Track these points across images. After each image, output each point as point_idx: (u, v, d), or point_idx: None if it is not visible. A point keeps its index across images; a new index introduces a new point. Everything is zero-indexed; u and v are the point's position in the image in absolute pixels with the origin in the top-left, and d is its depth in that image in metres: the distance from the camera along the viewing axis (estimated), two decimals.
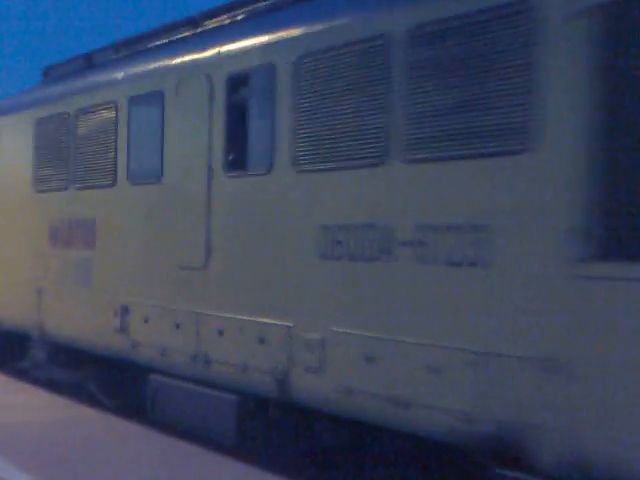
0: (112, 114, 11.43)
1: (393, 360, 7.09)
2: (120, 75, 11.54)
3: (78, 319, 12.19)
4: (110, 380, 11.92)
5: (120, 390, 11.73)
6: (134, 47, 12.26)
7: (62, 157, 12.74)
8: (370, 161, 7.44)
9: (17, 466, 8.37)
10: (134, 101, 10.98)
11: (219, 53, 9.54)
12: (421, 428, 6.85)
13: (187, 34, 11.02)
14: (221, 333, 9.30)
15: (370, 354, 7.32)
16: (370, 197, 7.42)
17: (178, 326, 10.02)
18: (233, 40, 9.41)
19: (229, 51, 9.37)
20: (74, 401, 11.93)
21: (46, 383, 13.32)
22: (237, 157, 9.11)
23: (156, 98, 10.49)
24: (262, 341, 8.65)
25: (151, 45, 11.76)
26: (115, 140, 11.32)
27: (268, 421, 8.84)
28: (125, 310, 11.05)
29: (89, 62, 13.36)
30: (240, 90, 9.08)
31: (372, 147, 7.41)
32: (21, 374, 14.16)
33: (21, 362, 14.24)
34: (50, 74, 14.65)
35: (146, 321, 10.62)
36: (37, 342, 13.45)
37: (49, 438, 9.63)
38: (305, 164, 8.18)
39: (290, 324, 8.30)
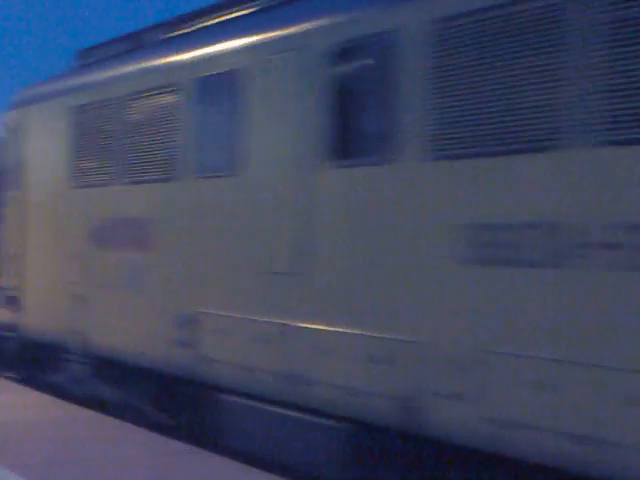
0: (172, 98, 10.10)
1: (582, 390, 5.77)
2: (181, 54, 10.20)
3: (126, 329, 10.86)
4: (165, 398, 10.57)
5: (178, 410, 10.39)
6: (193, 24, 10.91)
7: (106, 148, 11.40)
8: (545, 144, 6.11)
9: (6, 466, 8.21)
10: (202, 82, 9.65)
11: (320, 20, 8.17)
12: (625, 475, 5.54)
13: (266, 4, 9.66)
14: (319, 349, 7.97)
15: (541, 380, 6.00)
16: (543, 189, 6.09)
17: (260, 340, 8.69)
18: (338, 5, 8.05)
19: (334, 18, 8.01)
20: (63, 400, 11.81)
21: (88, 400, 11.97)
22: (347, 143, 7.78)
23: (232, 78, 9.15)
24: (380, 359, 7.33)
25: (217, 20, 10.40)
26: (177, 127, 9.98)
27: (386, 454, 7.51)
28: (189, 320, 9.72)
29: (135, 43, 12.00)
30: (351, 62, 7.74)
31: (545, 126, 6.07)
32: (55, 389, 12.81)
33: (54, 376, 12.88)
34: (86, 57, 13.28)
35: (217, 333, 9.29)
36: (75, 355, 12.10)
37: (38, 437, 9.50)
38: (444, 150, 6.86)
39: (422, 340, 6.97)
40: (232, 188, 9.12)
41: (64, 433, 9.78)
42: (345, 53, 7.78)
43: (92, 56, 13.12)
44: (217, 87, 9.41)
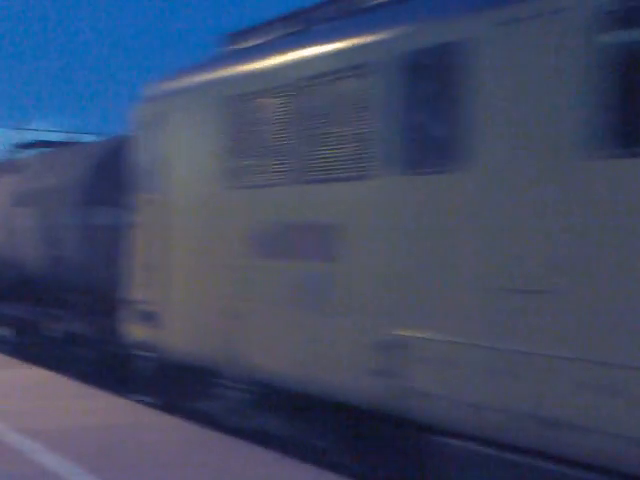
0: (366, 80, 8.51)
1: None
2: (373, 31, 8.61)
3: (299, 353, 9.29)
4: (353, 436, 8.97)
5: (370, 450, 8.77)
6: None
7: (274, 143, 9.86)
8: None
9: (84, 469, 8.27)
10: (405, 59, 8.04)
11: None
12: None
13: None
14: (589, 387, 6.29)
15: None
16: None
17: (500, 372, 7.02)
18: None
19: None
20: (140, 404, 11.82)
21: (245, 431, 10.43)
22: (629, 129, 6.10)
23: (452, 51, 7.53)
24: None
25: None
26: (375, 115, 8.38)
27: None
28: (390, 345, 8.10)
29: (301, 23, 10.46)
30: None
31: None
32: (202, 417, 11.30)
33: (202, 403, 11.37)
34: (239, 41, 11.78)
35: (435, 362, 7.64)
36: (230, 380, 10.57)
37: (115, 441, 9.48)
38: None
39: None
40: (455, 186, 7.48)
41: (143, 437, 9.73)
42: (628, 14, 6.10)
43: (247, 40, 11.62)
44: (428, 64, 7.79)
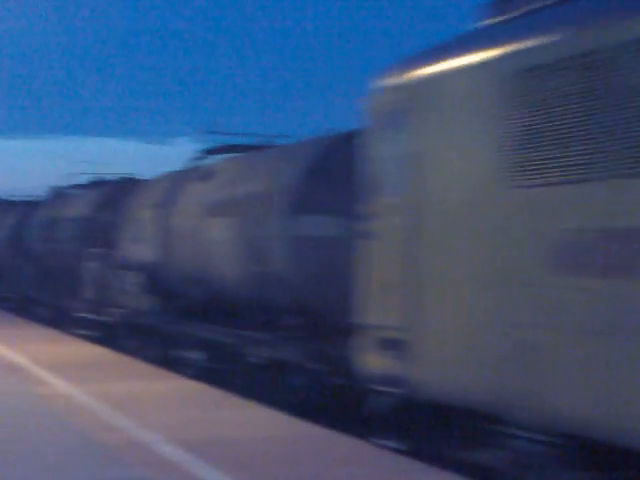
0: None
1: None
2: None
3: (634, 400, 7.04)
4: None
5: None
6: None
7: (589, 127, 7.65)
8: None
9: None
10: None
11: None
12: None
13: None
14: None
15: None
16: None
17: None
18: None
19: None
20: (295, 417, 11.65)
21: None
22: None
23: None
24: None
25: None
26: None
27: None
28: None
29: None
30: None
31: None
32: (476, 469, 9.15)
33: (475, 454, 9.22)
34: (504, 11, 9.64)
35: None
36: (521, 427, 8.38)
37: (269, 454, 9.46)
38: None
39: None
40: None
41: (297, 451, 9.68)
42: None
43: (516, 8, 9.47)
44: None
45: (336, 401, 12.97)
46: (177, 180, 19.06)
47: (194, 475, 8.57)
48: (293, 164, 14.27)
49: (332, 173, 13.55)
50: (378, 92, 10.86)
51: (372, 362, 10.65)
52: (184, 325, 17.60)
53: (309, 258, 13.52)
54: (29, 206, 35.45)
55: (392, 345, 10.28)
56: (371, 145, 10.89)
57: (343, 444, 10.05)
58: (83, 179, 30.68)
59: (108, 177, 29.44)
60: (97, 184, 28.73)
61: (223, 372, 16.36)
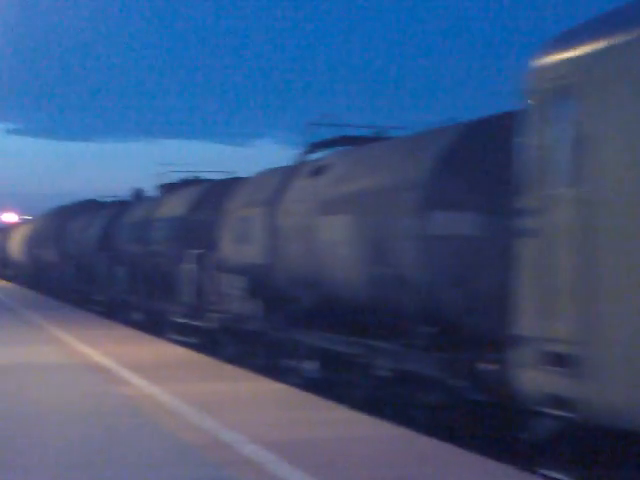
0: None
1: None
2: None
3: None
4: None
5: None
6: None
7: None
8: None
9: None
10: None
11: None
12: None
13: None
14: None
15: None
16: None
17: None
18: None
19: None
20: (378, 418, 11.67)
21: None
22: None
23: None
24: None
25: None
26: None
27: None
28: None
29: None
30: None
31: None
32: None
33: None
34: None
35: None
36: None
37: (350, 455, 9.49)
38: None
39: None
40: None
41: (379, 450, 9.72)
42: None
43: None
44: None
45: (478, 421, 11.53)
46: (283, 176, 17.77)
47: (279, 476, 8.68)
48: (422, 155, 12.86)
49: (468, 164, 12.12)
50: (541, 69, 9.43)
51: (533, 380, 9.22)
52: (294, 332, 16.30)
53: (443, 260, 12.10)
54: (119, 207, 34.62)
55: (559, 360, 8.83)
56: (531, 129, 9.45)
57: (424, 444, 10.07)
58: (175, 178, 29.63)
59: (202, 176, 28.39)
60: (190, 183, 27.62)
61: (339, 384, 15.02)
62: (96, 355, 18.41)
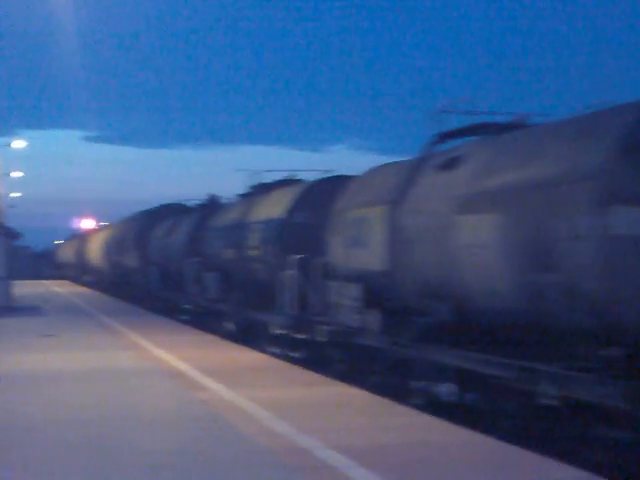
0: None
1: None
2: None
3: None
4: None
5: None
6: None
7: None
8: None
9: None
10: None
11: None
12: None
13: None
14: None
15: None
16: None
17: None
18: None
19: None
20: (455, 424, 11.48)
21: None
22: None
23: None
24: None
25: None
26: None
27: None
28: None
29: None
30: None
31: None
32: None
33: None
34: None
35: None
36: None
37: (426, 460, 9.49)
38: None
39: None
40: None
41: (454, 457, 9.63)
42: None
43: None
44: None
45: None
46: (407, 171, 15.67)
47: None
48: (599, 139, 10.67)
49: None
50: None
51: None
52: (424, 349, 14.17)
53: (628, 265, 9.91)
54: (207, 210, 32.79)
55: None
56: None
57: (501, 451, 9.97)
58: (267, 179, 27.65)
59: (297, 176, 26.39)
60: (285, 183, 25.63)
61: (482, 409, 12.88)
62: (172, 360, 18.58)
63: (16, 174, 72.84)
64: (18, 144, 60.48)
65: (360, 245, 16.60)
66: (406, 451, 9.95)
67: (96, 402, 13.61)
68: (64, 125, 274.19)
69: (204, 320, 29.28)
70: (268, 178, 26.49)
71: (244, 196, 27.92)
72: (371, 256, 16.13)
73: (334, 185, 20.84)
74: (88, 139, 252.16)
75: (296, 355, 20.04)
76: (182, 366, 17.66)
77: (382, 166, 17.73)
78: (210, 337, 24.26)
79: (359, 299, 16.55)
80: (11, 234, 38.39)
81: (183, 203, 39.91)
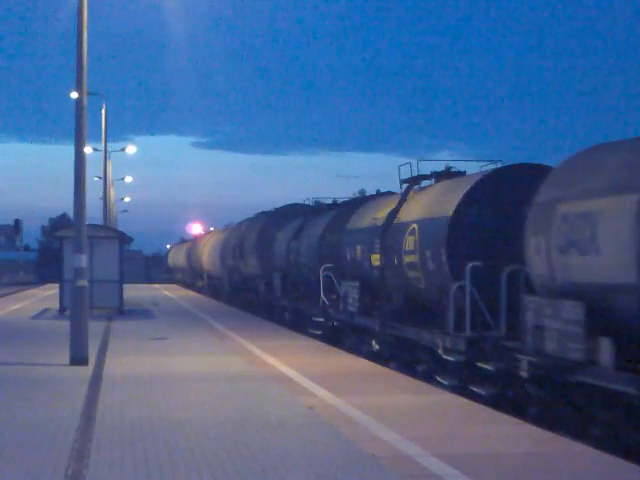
0: None
1: None
2: None
3: None
4: None
5: None
6: None
7: None
8: None
9: None
10: None
11: None
12: None
13: None
14: None
15: None
16: None
17: None
18: None
19: None
20: (554, 433, 11.28)
21: None
22: None
23: None
24: None
25: None
26: None
27: None
28: None
29: None
30: None
31: None
32: None
33: None
34: None
35: None
36: None
37: (530, 471, 9.36)
38: None
39: None
40: None
41: (553, 467, 9.47)
42: None
43: None
44: None
45: None
46: None
47: None
48: None
49: None
50: None
51: None
52: None
53: None
54: (341, 210, 28.71)
55: None
56: None
57: (603, 462, 9.66)
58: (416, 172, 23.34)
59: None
60: (443, 176, 21.33)
61: None
62: (280, 365, 18.38)
63: (127, 179, 70.59)
64: (131, 149, 57.83)
65: (584, 249, 12.29)
66: (512, 461, 9.79)
67: (212, 406, 13.44)
68: (173, 131, 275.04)
69: (340, 337, 25.21)
70: (423, 169, 22.05)
71: (394, 192, 23.77)
72: (604, 264, 11.82)
73: (521, 175, 16.65)
74: (196, 145, 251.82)
75: (481, 392, 15.77)
76: (289, 371, 17.42)
77: (614, 143, 13.34)
78: (318, 343, 23.72)
79: (580, 322, 12.25)
80: (124, 239, 35.41)
81: (319, 200, 35.66)
